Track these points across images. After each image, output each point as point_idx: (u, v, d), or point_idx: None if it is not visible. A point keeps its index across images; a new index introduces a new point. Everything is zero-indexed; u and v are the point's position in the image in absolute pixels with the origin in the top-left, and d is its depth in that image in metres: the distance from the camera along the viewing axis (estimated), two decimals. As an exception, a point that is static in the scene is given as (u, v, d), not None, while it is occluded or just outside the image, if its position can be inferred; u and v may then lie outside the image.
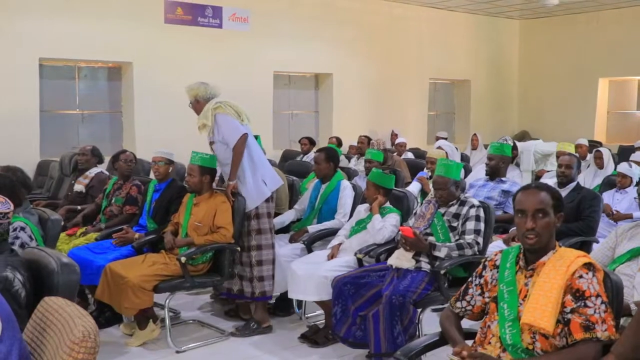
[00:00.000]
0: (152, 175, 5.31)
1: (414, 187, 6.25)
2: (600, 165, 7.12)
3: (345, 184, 5.21)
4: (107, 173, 6.26)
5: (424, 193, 6.05)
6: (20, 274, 2.53)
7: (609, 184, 6.18)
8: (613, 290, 2.43)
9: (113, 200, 5.48)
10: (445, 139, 10.00)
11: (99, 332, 2.03)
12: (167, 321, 4.45)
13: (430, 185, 5.83)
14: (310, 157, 9.03)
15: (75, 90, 9.10)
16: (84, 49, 8.59)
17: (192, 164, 4.73)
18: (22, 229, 3.58)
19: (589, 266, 2.40)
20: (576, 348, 2.31)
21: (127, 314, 4.51)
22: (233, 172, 4.68)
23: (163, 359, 4.28)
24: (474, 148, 9.76)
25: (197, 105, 4.86)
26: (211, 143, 4.85)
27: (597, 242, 4.73)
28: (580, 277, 2.37)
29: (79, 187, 6.28)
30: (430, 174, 6.36)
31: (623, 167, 5.89)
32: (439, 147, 7.15)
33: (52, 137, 8.76)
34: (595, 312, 2.31)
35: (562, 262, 2.43)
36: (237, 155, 4.68)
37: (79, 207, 5.96)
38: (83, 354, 1.91)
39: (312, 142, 9.52)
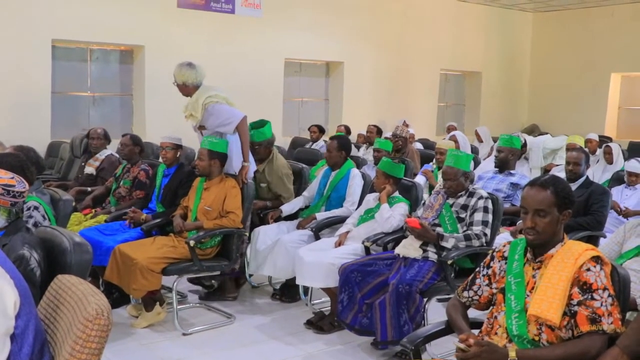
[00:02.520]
0: (161, 160, 5.35)
1: (419, 181, 6.25)
2: (609, 160, 7.10)
3: (355, 172, 5.22)
4: (117, 155, 6.30)
5: (430, 186, 6.06)
6: (36, 252, 2.56)
7: (618, 179, 6.16)
8: (620, 283, 2.44)
9: (122, 183, 5.52)
10: (456, 129, 9.99)
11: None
12: (175, 304, 4.49)
13: (439, 176, 5.85)
14: (319, 145, 9.04)
15: (87, 72, 9.13)
16: (97, 31, 8.60)
17: (202, 147, 4.77)
18: (36, 208, 3.61)
19: (596, 259, 2.41)
20: (582, 340, 2.32)
21: (135, 296, 4.55)
22: (245, 153, 4.78)
23: (169, 340, 4.33)
24: (479, 141, 9.76)
25: (185, 88, 4.99)
26: (201, 127, 5.02)
27: (605, 237, 4.73)
28: (588, 270, 2.38)
29: (89, 169, 6.33)
30: (434, 166, 6.37)
31: (632, 165, 5.83)
32: (453, 137, 7.12)
33: (63, 118, 8.81)
34: (602, 304, 2.32)
35: (570, 254, 2.44)
36: (244, 136, 4.88)
37: (89, 189, 6.01)
38: (96, 331, 1.94)
39: (321, 130, 9.53)
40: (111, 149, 6.56)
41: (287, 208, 5.29)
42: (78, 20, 8.38)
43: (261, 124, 5.42)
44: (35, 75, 8.21)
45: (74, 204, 4.30)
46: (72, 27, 8.38)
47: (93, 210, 5.46)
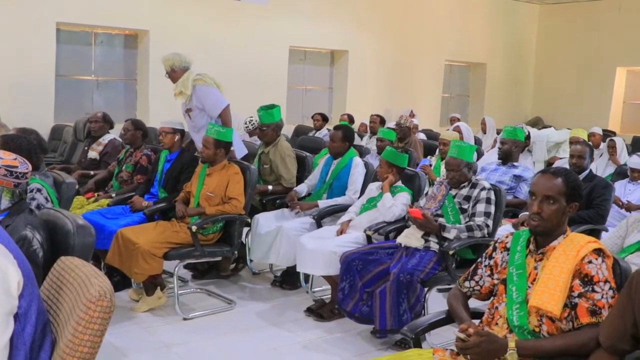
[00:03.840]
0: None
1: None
2: (612, 154, 7.10)
3: (358, 161, 5.22)
4: (120, 140, 6.29)
5: (430, 182, 6.05)
6: (39, 234, 2.56)
7: (621, 173, 6.15)
8: (622, 276, 2.44)
9: (124, 167, 5.53)
10: (459, 120, 9.97)
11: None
12: (176, 288, 4.51)
13: (442, 168, 5.85)
14: (323, 133, 9.03)
15: (92, 56, 9.13)
16: (101, 15, 8.60)
17: (208, 135, 4.76)
18: (39, 190, 3.62)
19: (598, 252, 2.41)
20: (581, 331, 2.33)
21: (136, 280, 4.57)
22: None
23: (170, 325, 4.35)
24: (483, 132, 9.75)
25: (174, 74, 5.30)
26: (188, 110, 5.32)
27: (607, 230, 4.73)
28: (590, 262, 2.38)
29: (92, 153, 6.33)
30: (432, 160, 6.37)
31: (634, 161, 5.80)
32: (457, 128, 7.11)
33: (66, 102, 8.81)
34: (602, 297, 2.32)
35: (572, 247, 2.44)
36: (228, 124, 5.16)
37: (91, 173, 6.01)
38: (99, 312, 1.95)
39: (324, 119, 9.52)
40: (114, 134, 6.56)
41: (299, 189, 5.34)
42: (83, 3, 8.37)
43: (271, 106, 5.45)
44: (39, 58, 8.21)
45: (77, 187, 4.31)
46: (76, 10, 8.37)
47: (95, 194, 5.47)
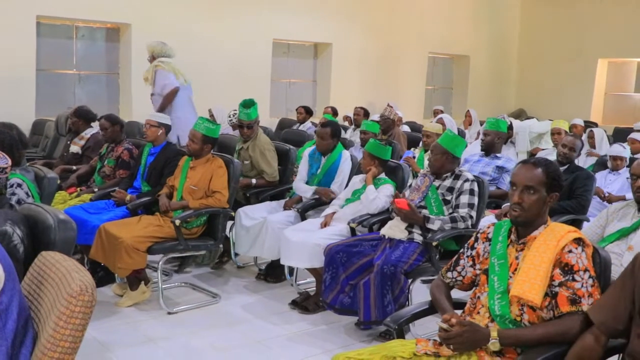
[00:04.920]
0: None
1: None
2: (592, 145, 7.17)
3: (347, 155, 5.22)
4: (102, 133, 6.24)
5: (413, 174, 6.08)
6: (19, 229, 2.54)
7: (602, 164, 6.21)
8: (601, 265, 2.47)
9: (106, 162, 5.49)
10: (442, 112, 10.00)
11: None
12: (160, 282, 4.50)
13: (425, 160, 5.87)
14: (307, 126, 9.03)
15: (73, 50, 9.04)
16: (82, 8, 8.51)
17: (196, 130, 4.74)
18: (19, 185, 3.59)
19: (578, 241, 2.44)
20: (562, 320, 2.35)
21: (120, 274, 4.55)
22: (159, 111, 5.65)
23: (154, 319, 4.34)
24: (468, 124, 9.79)
25: (153, 60, 6.12)
26: (152, 95, 6.08)
27: (588, 220, 4.77)
28: (570, 251, 2.41)
29: (74, 148, 6.28)
30: (415, 151, 6.38)
31: (615, 149, 5.89)
32: (440, 120, 7.14)
33: (48, 96, 8.73)
34: (582, 286, 2.35)
35: (553, 236, 2.47)
36: (164, 100, 6.05)
37: (74, 167, 5.97)
38: (80, 307, 1.94)
39: (308, 112, 9.50)
40: (97, 128, 6.50)
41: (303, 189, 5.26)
42: (63, -4, 8.28)
43: (250, 103, 5.41)
44: (19, 52, 8.11)
45: (58, 181, 4.28)
46: (57, 3, 8.29)
47: (78, 189, 5.44)
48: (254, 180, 5.38)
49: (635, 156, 6.11)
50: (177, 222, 4.39)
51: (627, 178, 5.19)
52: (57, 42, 8.87)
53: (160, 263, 4.52)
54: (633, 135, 7.09)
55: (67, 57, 9.00)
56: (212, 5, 9.55)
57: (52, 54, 8.79)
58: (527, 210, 2.50)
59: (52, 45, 8.77)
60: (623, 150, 5.84)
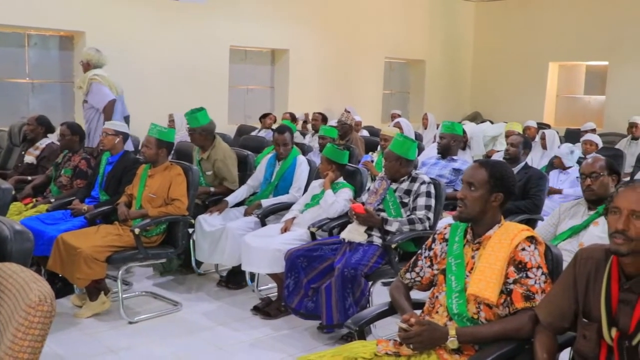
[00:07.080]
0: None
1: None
2: (544, 145, 7.38)
3: (302, 159, 5.26)
4: (58, 144, 6.14)
5: (372, 177, 6.14)
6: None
7: (554, 164, 6.40)
8: (553, 262, 2.56)
9: (62, 172, 5.41)
10: (399, 116, 10.11)
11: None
12: (120, 292, 4.45)
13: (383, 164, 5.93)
14: (265, 132, 9.06)
15: (25, 58, 8.87)
16: (35, 17, 8.35)
17: (150, 135, 4.72)
18: (-28, 197, 3.52)
19: (531, 239, 2.51)
20: (517, 316, 2.42)
21: (79, 285, 4.48)
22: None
23: (115, 330, 4.29)
24: (425, 127, 9.93)
25: (87, 66, 6.27)
26: (84, 102, 6.31)
27: (542, 219, 4.89)
28: (523, 249, 2.48)
29: (29, 158, 6.17)
30: (374, 155, 6.46)
31: (562, 150, 6.17)
32: (397, 124, 7.23)
33: (0, 106, 8.54)
34: (535, 282, 2.43)
35: (507, 235, 2.54)
36: (106, 114, 6.08)
37: (29, 178, 5.86)
38: (39, 317, 1.92)
39: (276, 120, 9.57)
40: (52, 138, 6.41)
41: (232, 199, 5.27)
42: (13, 3, 8.11)
43: (197, 110, 5.43)
44: (-32, 61, 7.93)
45: (13, 192, 4.20)
46: (7, 11, 8.11)
47: (34, 200, 5.34)
48: (212, 189, 5.38)
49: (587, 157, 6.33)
50: (137, 230, 4.36)
51: (577, 177, 5.36)
52: (9, 51, 8.69)
53: (120, 272, 4.47)
54: (589, 136, 7.33)
55: (19, 65, 8.83)
56: (166, 12, 9.48)
57: (3, 63, 8.61)
58: (468, 206, 2.59)
59: (3, 54, 8.60)
60: (570, 154, 6.11)
